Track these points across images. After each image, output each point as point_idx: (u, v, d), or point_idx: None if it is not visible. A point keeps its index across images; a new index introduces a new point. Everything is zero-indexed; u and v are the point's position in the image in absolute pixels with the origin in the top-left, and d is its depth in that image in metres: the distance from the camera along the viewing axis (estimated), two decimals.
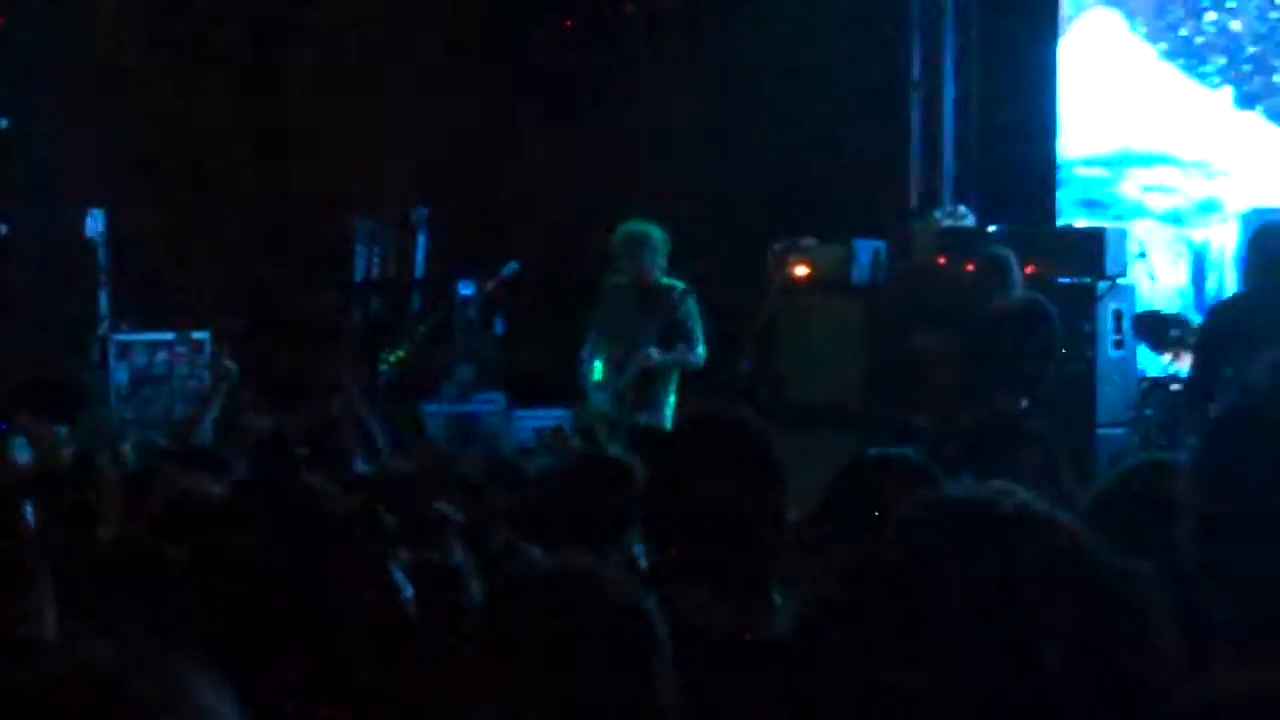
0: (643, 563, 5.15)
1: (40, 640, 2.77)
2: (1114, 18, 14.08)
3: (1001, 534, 1.88)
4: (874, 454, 5.37)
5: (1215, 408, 2.85)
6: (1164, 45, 13.92)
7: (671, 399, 11.73)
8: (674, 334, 11.74)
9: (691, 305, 11.78)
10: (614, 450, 10.34)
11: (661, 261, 11.81)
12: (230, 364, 11.17)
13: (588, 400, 11.97)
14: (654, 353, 11.68)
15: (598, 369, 11.89)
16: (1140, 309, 12.58)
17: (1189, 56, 13.82)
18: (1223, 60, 13.72)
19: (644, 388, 11.68)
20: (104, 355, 14.05)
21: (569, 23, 15.79)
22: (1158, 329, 12.44)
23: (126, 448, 8.79)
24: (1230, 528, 2.65)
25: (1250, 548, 2.61)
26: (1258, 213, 12.11)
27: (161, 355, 14.15)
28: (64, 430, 9.61)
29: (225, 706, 1.79)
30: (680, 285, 11.80)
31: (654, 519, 4.29)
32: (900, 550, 1.89)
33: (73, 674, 1.68)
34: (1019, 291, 11.57)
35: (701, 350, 11.79)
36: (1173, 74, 13.86)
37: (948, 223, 13.55)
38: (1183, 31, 13.86)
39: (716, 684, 3.19)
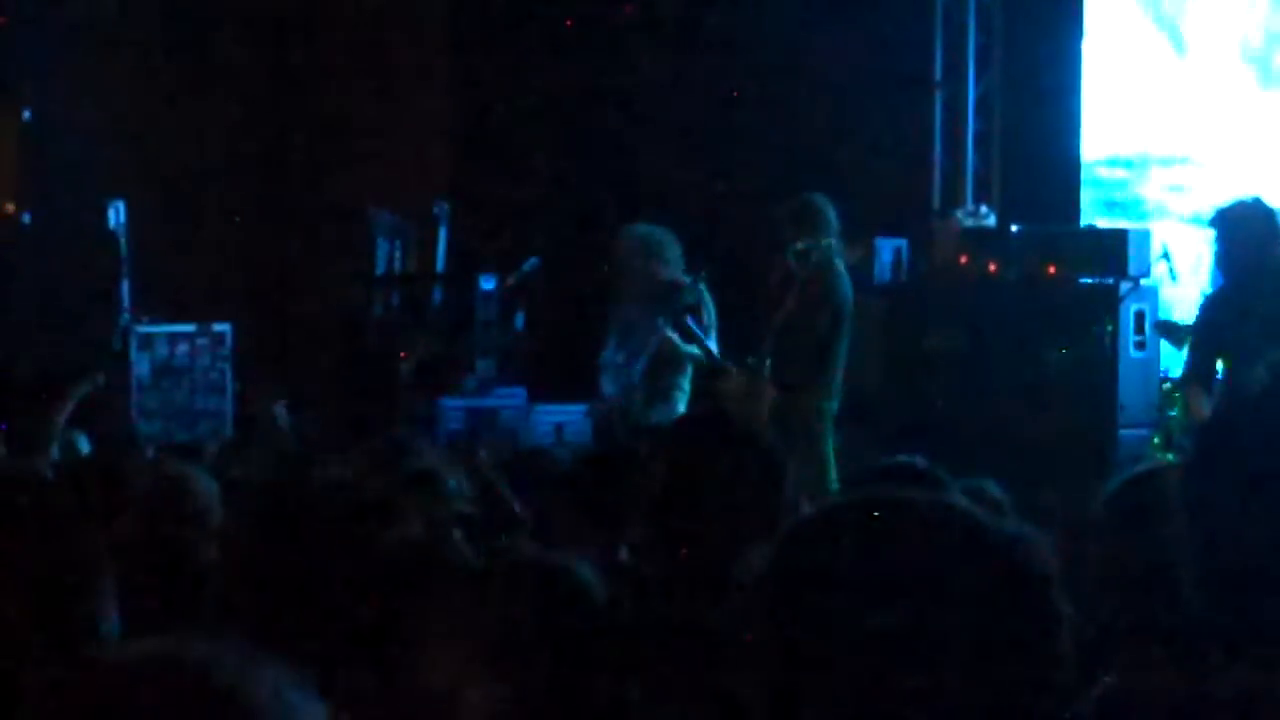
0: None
1: (109, 642, 2.78)
2: (1138, 18, 14.06)
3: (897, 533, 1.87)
4: (882, 462, 5.41)
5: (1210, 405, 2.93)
6: (1185, 45, 13.90)
7: (685, 392, 11.62)
8: (687, 325, 11.57)
9: (704, 295, 11.57)
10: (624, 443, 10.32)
11: (670, 257, 11.59)
12: None
13: (600, 394, 11.90)
14: (672, 334, 11.43)
15: (608, 359, 11.79)
16: (1162, 311, 12.55)
17: (1212, 58, 13.80)
18: (1247, 62, 13.71)
19: (656, 380, 11.52)
20: (125, 346, 14.05)
21: (569, 22, 15.81)
22: (1177, 331, 12.43)
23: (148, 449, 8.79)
24: (1218, 529, 2.67)
25: (1238, 548, 2.64)
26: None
27: (183, 347, 14.16)
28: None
29: (316, 708, 1.80)
30: (688, 277, 11.60)
31: (659, 521, 4.32)
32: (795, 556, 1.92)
33: (182, 678, 1.69)
34: None
35: (713, 342, 11.60)
36: (1195, 75, 13.84)
37: (969, 222, 13.56)
38: (1210, 32, 13.84)
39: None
